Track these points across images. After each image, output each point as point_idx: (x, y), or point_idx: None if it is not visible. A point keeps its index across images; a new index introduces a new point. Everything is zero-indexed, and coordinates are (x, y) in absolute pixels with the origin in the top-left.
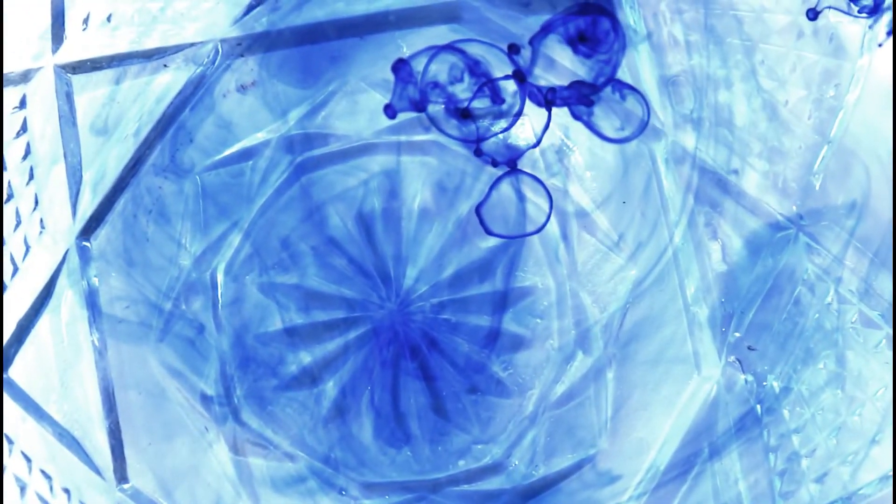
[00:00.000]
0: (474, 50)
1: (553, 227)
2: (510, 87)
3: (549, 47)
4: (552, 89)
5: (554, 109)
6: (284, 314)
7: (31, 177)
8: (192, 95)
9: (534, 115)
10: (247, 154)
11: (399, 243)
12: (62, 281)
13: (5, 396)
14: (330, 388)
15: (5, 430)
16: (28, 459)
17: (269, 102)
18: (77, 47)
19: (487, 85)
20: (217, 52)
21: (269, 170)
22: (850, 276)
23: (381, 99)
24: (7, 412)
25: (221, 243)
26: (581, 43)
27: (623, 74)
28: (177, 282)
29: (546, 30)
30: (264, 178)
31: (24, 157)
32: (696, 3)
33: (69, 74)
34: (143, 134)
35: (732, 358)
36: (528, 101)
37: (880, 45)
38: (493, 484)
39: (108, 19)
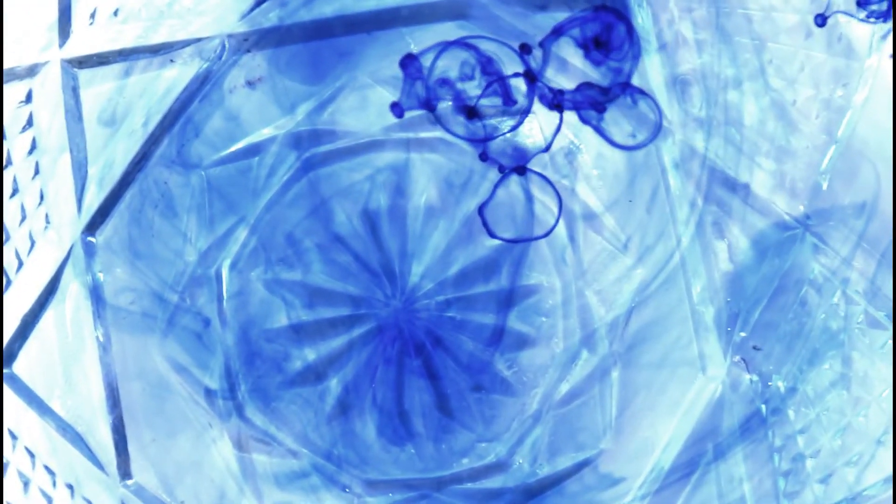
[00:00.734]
0: (486, 47)
1: (560, 226)
2: (521, 87)
3: (561, 49)
4: (562, 92)
5: (564, 111)
6: (289, 311)
7: (37, 171)
8: (200, 90)
9: (543, 116)
10: (254, 149)
11: (405, 240)
12: (67, 276)
13: (10, 392)
14: (334, 385)
15: (10, 426)
16: (32, 455)
17: (276, 98)
18: (84, 42)
19: (499, 84)
20: (224, 47)
21: (275, 165)
22: (856, 276)
23: (389, 95)
24: (11, 407)
25: (227, 238)
26: (595, 49)
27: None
28: (182, 276)
29: (558, 32)
30: (271, 173)
31: (30, 152)
32: (706, 1)
33: (75, 69)
34: (149, 128)
35: (738, 358)
36: (537, 103)
37: (892, 57)
38: (496, 482)
39: (116, 13)
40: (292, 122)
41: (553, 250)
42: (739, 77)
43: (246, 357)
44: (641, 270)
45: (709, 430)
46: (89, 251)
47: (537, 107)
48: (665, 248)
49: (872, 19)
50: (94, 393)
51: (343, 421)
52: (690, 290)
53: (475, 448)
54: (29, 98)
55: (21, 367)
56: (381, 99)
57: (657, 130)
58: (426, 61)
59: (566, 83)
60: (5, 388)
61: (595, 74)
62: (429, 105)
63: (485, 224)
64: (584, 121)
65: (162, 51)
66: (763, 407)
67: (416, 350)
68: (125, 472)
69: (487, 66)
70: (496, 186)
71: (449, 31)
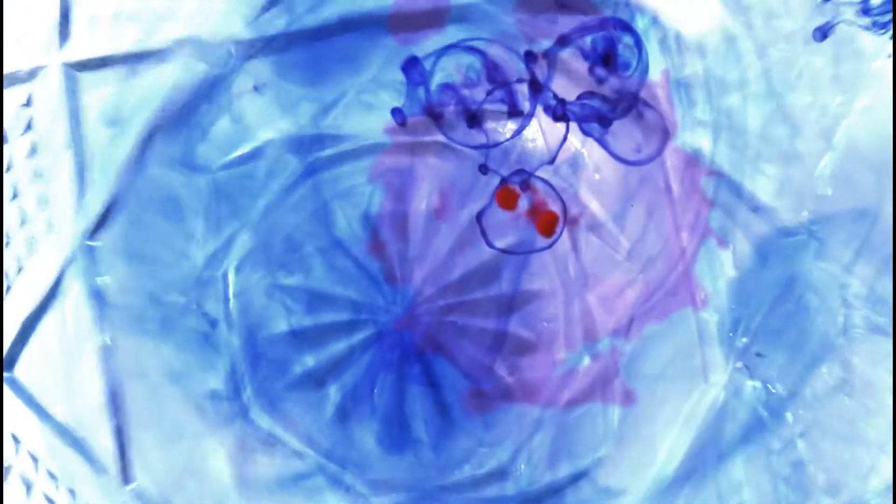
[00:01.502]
0: (492, 52)
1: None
2: (524, 91)
3: (567, 58)
4: (564, 102)
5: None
6: (291, 316)
7: (37, 175)
8: (206, 94)
9: (546, 120)
10: (258, 153)
11: (406, 245)
12: (68, 280)
13: (11, 396)
14: (334, 391)
15: (12, 430)
16: (35, 459)
17: (281, 102)
18: (84, 45)
19: (505, 91)
20: (230, 52)
21: (279, 169)
22: (857, 282)
23: (392, 100)
24: (13, 412)
25: (232, 241)
26: (603, 66)
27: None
28: (188, 278)
29: (563, 41)
30: (275, 177)
31: (30, 156)
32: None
33: (76, 72)
34: (151, 131)
35: (740, 364)
36: (542, 113)
37: (891, 57)
38: (497, 489)
39: (116, 17)
40: (296, 126)
41: (555, 256)
42: (742, 82)
43: (251, 360)
44: (644, 277)
45: (710, 435)
46: (90, 255)
47: (540, 111)
48: (669, 255)
49: (876, 28)
50: (96, 397)
51: (344, 428)
52: (694, 295)
53: (476, 454)
54: (29, 102)
55: (23, 371)
56: (384, 104)
57: (663, 145)
58: (428, 65)
59: (571, 89)
60: (7, 392)
61: (604, 87)
62: (432, 110)
63: (483, 233)
64: (587, 133)
65: (163, 54)
66: (765, 413)
67: (416, 356)
68: (126, 477)
69: (493, 71)
70: (494, 193)
71: (452, 35)
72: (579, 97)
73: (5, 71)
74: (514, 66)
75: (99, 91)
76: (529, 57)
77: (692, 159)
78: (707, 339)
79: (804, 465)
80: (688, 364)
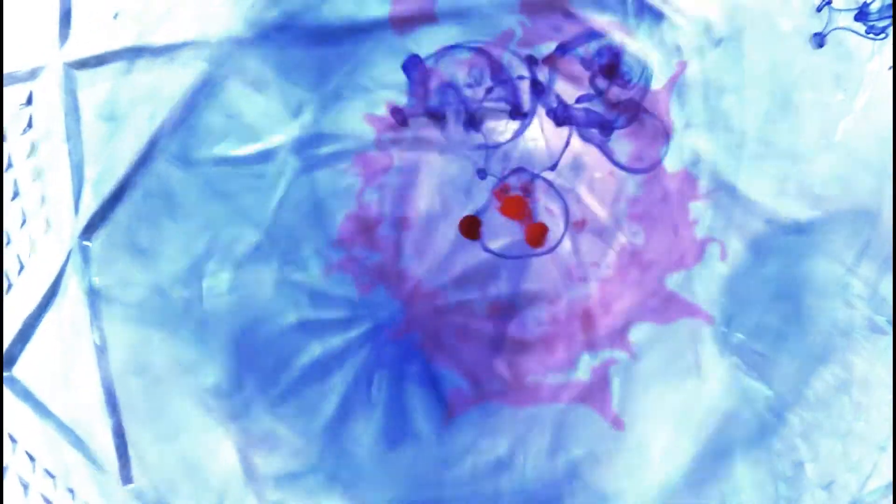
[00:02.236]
0: (495, 53)
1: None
2: (526, 98)
3: (570, 62)
4: (566, 105)
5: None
6: (290, 312)
7: (37, 174)
8: (203, 92)
9: (546, 120)
10: (258, 152)
11: (405, 244)
12: (67, 279)
13: (10, 395)
14: (334, 387)
15: (10, 429)
16: (32, 458)
17: (280, 100)
18: (84, 44)
19: (507, 90)
20: (227, 50)
21: (278, 167)
22: (857, 281)
23: (391, 99)
24: (12, 411)
25: (229, 239)
26: (605, 76)
27: None
28: (186, 273)
29: (563, 49)
30: (273, 175)
31: (30, 155)
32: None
33: (75, 71)
34: (150, 128)
35: (739, 363)
36: (545, 117)
37: (891, 69)
38: (496, 485)
39: (115, 16)
40: (295, 125)
41: (555, 255)
42: (739, 82)
43: (249, 357)
44: (644, 277)
45: (710, 435)
46: (88, 254)
47: (541, 112)
48: (666, 255)
49: (872, 35)
50: (95, 396)
51: (343, 424)
52: (693, 294)
53: (476, 451)
54: (30, 100)
55: (22, 370)
56: (383, 102)
57: (664, 153)
58: (430, 64)
59: (573, 93)
60: (6, 391)
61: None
62: (432, 110)
63: (480, 236)
64: (588, 140)
65: (162, 52)
66: (764, 412)
67: (416, 354)
68: (125, 476)
69: (496, 71)
70: (491, 193)
71: (453, 35)
72: (580, 99)
73: (5, 70)
74: (516, 67)
75: (98, 89)
76: (531, 61)
77: (690, 158)
78: (705, 338)
79: (804, 464)
80: (686, 362)
